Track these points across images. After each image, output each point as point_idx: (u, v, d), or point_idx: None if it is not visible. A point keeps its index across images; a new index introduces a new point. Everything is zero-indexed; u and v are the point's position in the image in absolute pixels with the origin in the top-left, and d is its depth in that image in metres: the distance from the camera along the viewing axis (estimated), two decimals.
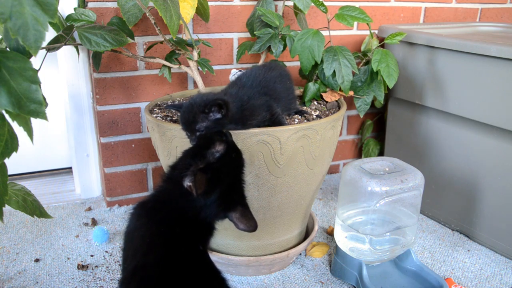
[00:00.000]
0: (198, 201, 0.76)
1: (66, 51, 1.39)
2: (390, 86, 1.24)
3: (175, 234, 0.75)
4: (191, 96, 1.31)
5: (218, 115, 0.90)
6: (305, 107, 1.22)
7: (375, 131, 1.81)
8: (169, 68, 1.23)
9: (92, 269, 1.17)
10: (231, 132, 0.91)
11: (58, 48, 1.08)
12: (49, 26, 0.65)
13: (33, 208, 1.01)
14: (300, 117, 1.13)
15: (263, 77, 1.05)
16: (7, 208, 0.87)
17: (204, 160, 0.78)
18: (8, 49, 0.79)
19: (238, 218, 0.80)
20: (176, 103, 0.95)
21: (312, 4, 1.26)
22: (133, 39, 1.25)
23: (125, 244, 0.78)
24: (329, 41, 1.26)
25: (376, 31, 1.60)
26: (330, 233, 1.36)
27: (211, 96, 0.93)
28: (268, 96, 1.03)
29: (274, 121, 1.01)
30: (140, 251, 0.74)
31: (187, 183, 0.75)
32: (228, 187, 0.80)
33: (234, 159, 0.84)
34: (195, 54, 1.18)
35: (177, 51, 1.18)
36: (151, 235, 0.75)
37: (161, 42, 1.31)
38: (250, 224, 0.81)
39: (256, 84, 1.03)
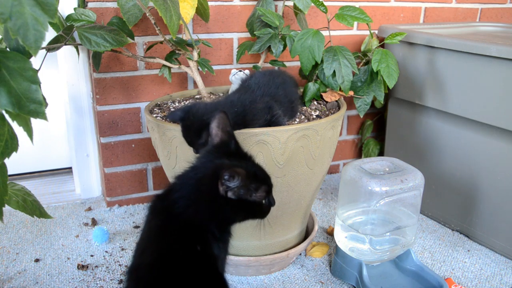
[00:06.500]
0: (218, 200, 0.71)
1: (66, 51, 1.39)
2: (390, 86, 1.24)
3: (169, 232, 0.71)
4: (190, 96, 1.31)
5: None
6: (305, 107, 1.22)
7: (375, 131, 1.81)
8: (169, 68, 1.23)
9: (92, 269, 1.17)
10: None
11: (58, 48, 1.08)
12: (49, 26, 0.65)
13: (33, 208, 1.01)
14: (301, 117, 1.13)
15: (267, 83, 1.06)
16: (7, 208, 0.87)
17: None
18: (8, 49, 0.79)
19: None
20: (177, 113, 0.94)
21: (312, 4, 1.26)
22: (133, 39, 1.25)
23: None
24: (329, 41, 1.26)
25: (376, 31, 1.60)
26: (330, 233, 1.36)
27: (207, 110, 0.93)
28: (269, 97, 1.03)
29: (273, 122, 1.01)
30: (139, 249, 0.73)
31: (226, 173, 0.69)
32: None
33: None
34: (195, 54, 1.18)
35: (177, 51, 1.18)
36: (149, 231, 0.73)
37: (161, 42, 1.31)
38: None
39: (260, 88, 1.04)
